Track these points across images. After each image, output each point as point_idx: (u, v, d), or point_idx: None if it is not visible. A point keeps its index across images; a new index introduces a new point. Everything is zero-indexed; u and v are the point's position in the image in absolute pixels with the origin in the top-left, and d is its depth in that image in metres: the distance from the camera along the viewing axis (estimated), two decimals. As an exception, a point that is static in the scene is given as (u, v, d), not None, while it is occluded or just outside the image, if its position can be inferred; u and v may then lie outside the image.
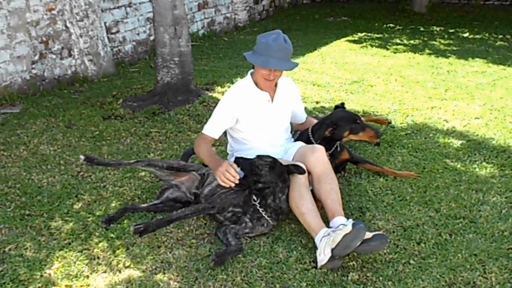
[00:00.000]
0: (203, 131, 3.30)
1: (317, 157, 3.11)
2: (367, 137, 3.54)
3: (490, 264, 2.73)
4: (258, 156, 3.03)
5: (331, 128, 3.44)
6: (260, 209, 2.98)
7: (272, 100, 3.35)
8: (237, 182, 2.90)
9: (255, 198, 3.00)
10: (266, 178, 2.95)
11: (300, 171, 2.99)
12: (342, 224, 2.78)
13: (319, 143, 3.38)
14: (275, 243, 2.96)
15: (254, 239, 3.00)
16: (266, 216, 2.99)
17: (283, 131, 3.48)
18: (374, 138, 3.57)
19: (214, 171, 3.02)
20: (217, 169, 2.95)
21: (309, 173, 3.11)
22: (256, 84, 3.29)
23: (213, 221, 3.18)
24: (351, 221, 2.76)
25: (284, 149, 3.39)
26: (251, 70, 3.36)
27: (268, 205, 2.98)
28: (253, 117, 3.30)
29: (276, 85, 3.36)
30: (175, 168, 3.41)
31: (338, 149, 3.60)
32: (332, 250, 2.63)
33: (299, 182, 2.99)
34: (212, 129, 3.27)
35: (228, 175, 2.89)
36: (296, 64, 3.18)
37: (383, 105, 5.26)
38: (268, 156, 3.02)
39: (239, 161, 3.06)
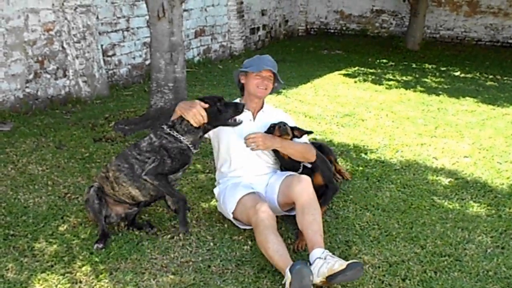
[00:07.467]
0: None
1: (303, 188, 3.12)
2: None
3: (474, 304, 2.73)
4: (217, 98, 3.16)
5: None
6: None
7: (254, 119, 3.42)
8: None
9: None
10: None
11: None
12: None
13: (286, 167, 3.50)
14: (260, 273, 2.94)
15: (239, 269, 2.97)
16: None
17: (264, 160, 3.48)
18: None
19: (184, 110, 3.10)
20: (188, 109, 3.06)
21: (293, 202, 3.15)
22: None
23: (199, 244, 3.15)
24: (326, 252, 2.80)
25: (267, 179, 3.44)
26: (239, 99, 3.48)
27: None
28: (234, 135, 3.33)
29: (262, 107, 3.46)
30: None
31: (302, 169, 3.52)
32: None
33: (263, 225, 2.94)
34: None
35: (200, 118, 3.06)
36: (282, 82, 3.44)
37: (373, 140, 5.31)
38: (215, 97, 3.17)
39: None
